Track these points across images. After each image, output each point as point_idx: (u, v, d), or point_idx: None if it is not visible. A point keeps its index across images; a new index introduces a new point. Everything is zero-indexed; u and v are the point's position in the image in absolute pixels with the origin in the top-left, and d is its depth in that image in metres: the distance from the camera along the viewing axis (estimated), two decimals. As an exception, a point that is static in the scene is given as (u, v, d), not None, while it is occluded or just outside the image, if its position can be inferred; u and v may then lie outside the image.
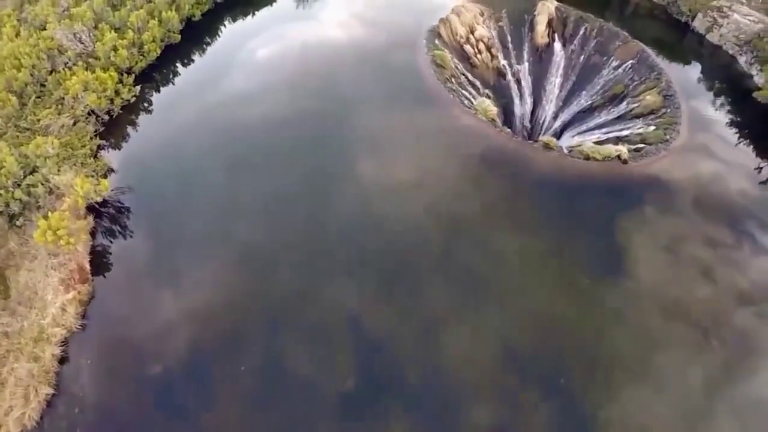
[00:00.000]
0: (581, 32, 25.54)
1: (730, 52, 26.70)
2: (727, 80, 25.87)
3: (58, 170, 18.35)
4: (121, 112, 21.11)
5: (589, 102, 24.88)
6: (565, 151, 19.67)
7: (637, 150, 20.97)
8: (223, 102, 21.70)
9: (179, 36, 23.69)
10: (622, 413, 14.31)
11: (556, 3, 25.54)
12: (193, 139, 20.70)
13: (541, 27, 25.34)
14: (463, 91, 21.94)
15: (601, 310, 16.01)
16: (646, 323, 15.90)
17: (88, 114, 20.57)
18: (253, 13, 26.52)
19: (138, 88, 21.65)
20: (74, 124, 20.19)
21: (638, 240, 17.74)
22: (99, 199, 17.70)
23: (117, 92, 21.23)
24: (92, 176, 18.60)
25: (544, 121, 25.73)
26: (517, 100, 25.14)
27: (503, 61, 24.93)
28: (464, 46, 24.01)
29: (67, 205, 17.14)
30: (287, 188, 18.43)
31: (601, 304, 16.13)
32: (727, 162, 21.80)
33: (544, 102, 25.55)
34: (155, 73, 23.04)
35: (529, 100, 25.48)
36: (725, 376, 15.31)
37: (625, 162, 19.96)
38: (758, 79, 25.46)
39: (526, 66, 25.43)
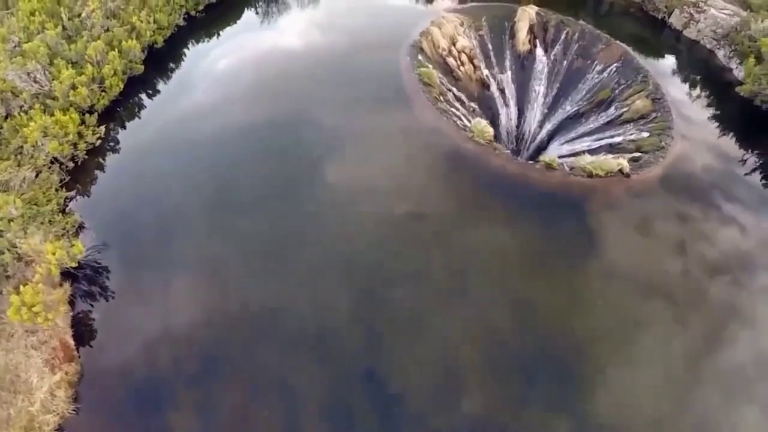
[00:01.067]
0: (562, 37, 25.17)
1: (708, 46, 26.90)
2: (707, 75, 26.09)
3: (25, 233, 16.77)
4: (86, 157, 19.53)
5: (575, 108, 24.61)
6: (567, 169, 19.19)
7: (635, 160, 20.76)
8: (194, 134, 20.41)
9: (142, 66, 22.08)
10: (609, 390, 14.82)
11: (536, 8, 25.04)
12: (166, 177, 19.38)
13: (522, 34, 24.83)
14: (452, 109, 21.22)
15: (580, 294, 16.55)
16: (624, 302, 16.47)
17: (51, 162, 18.94)
18: (218, 34, 25.08)
19: (102, 128, 20.04)
20: (36, 175, 18.54)
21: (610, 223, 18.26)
22: (74, 265, 16.24)
23: (80, 135, 19.61)
24: (63, 235, 17.13)
25: (529, 130, 25.34)
26: (502, 111, 24.64)
27: (486, 72, 24.34)
28: (447, 59, 23.27)
29: (39, 276, 15.63)
30: (289, 228, 17.39)
31: (581, 288, 16.67)
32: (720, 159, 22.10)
33: (528, 111, 25.13)
34: (119, 108, 21.46)
35: (513, 110, 25.02)
36: (705, 346, 16.05)
37: (627, 176, 19.69)
38: (737, 73, 25.72)
39: (508, 75, 24.92)
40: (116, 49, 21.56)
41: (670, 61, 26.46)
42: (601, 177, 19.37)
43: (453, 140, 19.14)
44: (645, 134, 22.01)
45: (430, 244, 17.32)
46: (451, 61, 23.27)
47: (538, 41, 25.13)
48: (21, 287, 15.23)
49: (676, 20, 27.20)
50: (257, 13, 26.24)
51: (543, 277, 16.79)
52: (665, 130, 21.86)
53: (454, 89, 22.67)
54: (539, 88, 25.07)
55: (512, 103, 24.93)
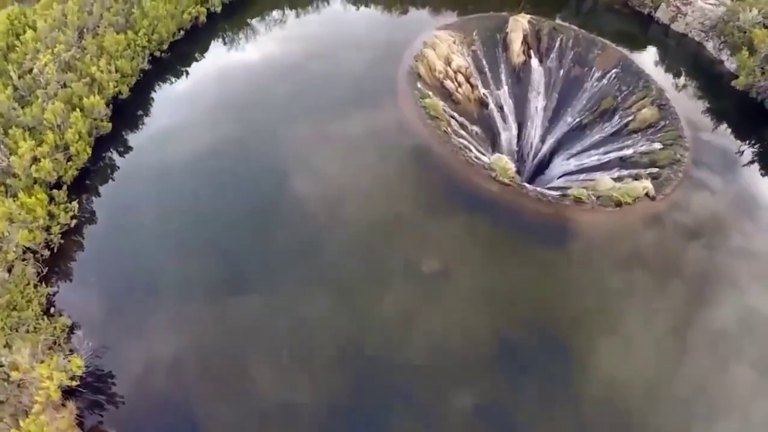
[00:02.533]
0: (556, 45, 24.31)
1: (697, 39, 26.69)
2: (699, 69, 25.95)
3: (9, 348, 14.63)
4: (62, 241, 17.30)
5: (577, 120, 23.89)
6: (595, 199, 18.40)
7: (654, 177, 20.20)
8: (174, 195, 18.68)
9: (109, 124, 19.80)
10: (601, 365, 15.17)
11: (527, 17, 24.00)
12: (152, 248, 17.48)
13: (516, 45, 23.82)
14: (461, 140, 20.04)
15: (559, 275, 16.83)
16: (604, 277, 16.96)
17: (24, 253, 16.67)
18: (186, 73, 22.83)
19: (75, 204, 17.79)
20: (9, 272, 16.26)
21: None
22: (75, 384, 14.27)
23: (51, 215, 17.36)
24: (55, 343, 15.08)
25: (531, 146, 24.50)
26: (501, 129, 23.65)
27: (483, 90, 23.24)
28: (444, 81, 22.02)
29: (39, 406, 13.63)
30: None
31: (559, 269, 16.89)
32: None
33: (528, 125, 24.25)
34: (91, 176, 19.18)
35: (513, 126, 24.10)
36: (689, 311, 16.65)
37: (653, 198, 19.12)
38: (729, 64, 25.67)
39: (505, 90, 23.90)
40: (78, 108, 19.19)
41: (659, 56, 26.10)
42: (630, 204, 18.71)
43: (475, 182, 18.01)
44: (657, 145, 21.51)
45: (465, 300, 16.33)
46: (449, 84, 22.04)
47: (532, 51, 24.22)
48: (21, 421, 13.29)
49: (663, 14, 26.80)
50: (227, 46, 24.14)
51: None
52: (677, 140, 21.42)
53: (456, 115, 21.47)
54: (537, 101, 24.21)
55: (511, 119, 23.98)
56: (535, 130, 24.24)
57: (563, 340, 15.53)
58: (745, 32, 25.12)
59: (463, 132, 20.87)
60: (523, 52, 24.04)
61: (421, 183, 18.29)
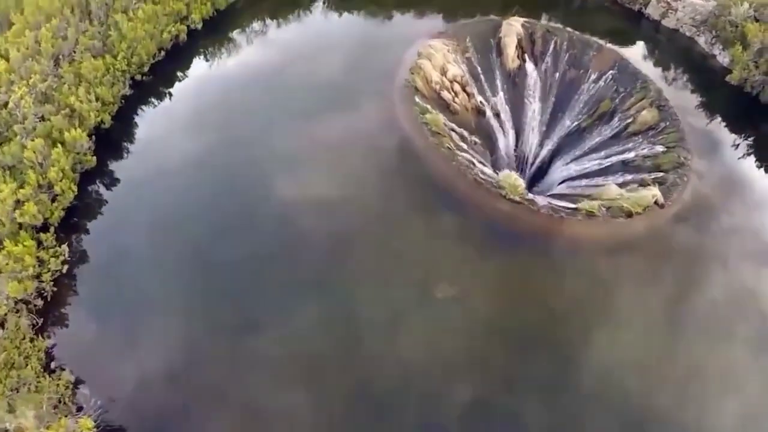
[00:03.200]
0: (551, 48, 24.09)
1: (688, 34, 26.75)
2: (692, 64, 26.02)
3: (13, 412, 13.90)
4: (54, 289, 16.48)
5: (575, 123, 23.74)
6: (605, 211, 18.28)
7: (660, 183, 20.16)
8: (169, 234, 17.84)
9: (93, 158, 18.92)
10: (600, 355, 15.51)
11: (521, 20, 23.69)
12: (151, 288, 16.80)
13: (510, 50, 23.52)
14: (465, 154, 19.72)
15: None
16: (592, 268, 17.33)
17: (15, 304, 15.84)
18: (170, 95, 21.98)
19: (64, 247, 16.98)
20: (3, 325, 15.44)
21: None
22: (90, 446, 13.64)
23: (41, 261, 16.51)
24: (60, 402, 14.39)
25: (529, 151, 24.27)
26: (500, 136, 23.37)
27: (479, 98, 22.89)
28: (441, 92, 21.62)
29: (53, 478, 13.00)
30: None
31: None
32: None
33: (526, 131, 24.01)
34: (78, 214, 18.35)
35: (511, 132, 23.84)
36: (679, 292, 17.18)
37: (662, 206, 19.09)
38: (721, 59, 25.79)
39: (501, 96, 23.60)
40: (59, 144, 18.27)
41: (651, 53, 26.09)
42: (641, 214, 18.65)
43: (485, 202, 17.71)
44: (659, 148, 21.49)
45: (481, 325, 16.12)
46: (445, 94, 21.64)
47: (526, 55, 23.91)
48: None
49: (653, 10, 26.76)
50: (210, 64, 23.30)
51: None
52: (679, 142, 21.42)
53: (456, 126, 21.13)
54: (534, 106, 23.97)
55: (509, 126, 23.70)
56: (532, 135, 24.02)
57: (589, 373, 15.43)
58: (737, 26, 25.23)
59: (464, 145, 20.52)
60: (518, 56, 23.75)
61: (429, 206, 17.95)
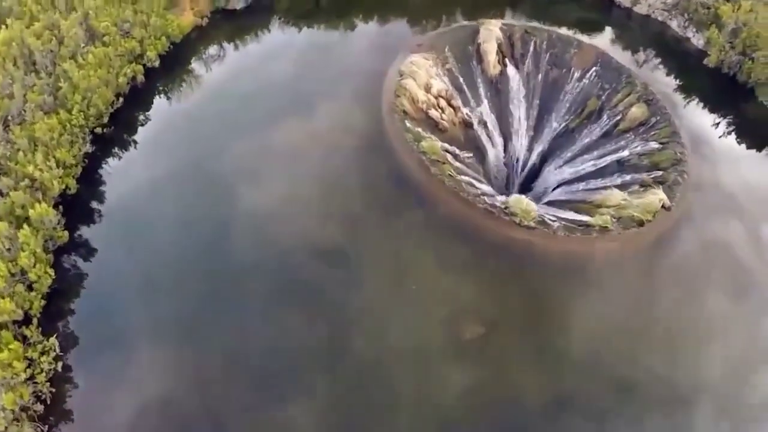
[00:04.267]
0: (531, 49, 23.63)
1: (660, 19, 26.86)
2: (666, 49, 26.12)
3: None
4: (52, 390, 14.99)
5: (563, 125, 23.50)
6: (616, 222, 18.19)
7: (661, 182, 20.19)
8: (160, 304, 16.59)
9: (65, 233, 17.28)
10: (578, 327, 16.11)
11: (498, 23, 23.07)
12: (153, 369, 15.60)
13: (491, 56, 22.95)
14: (466, 178, 19.19)
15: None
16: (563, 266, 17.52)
17: (13, 413, 14.36)
18: (134, 143, 20.35)
19: (53, 340, 15.49)
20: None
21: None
22: None
23: (31, 361, 15.01)
24: None
25: (518, 157, 23.93)
26: (488, 147, 22.90)
27: (465, 110, 22.31)
28: (429, 112, 20.87)
29: None
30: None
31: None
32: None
33: (514, 137, 23.62)
34: (59, 297, 16.71)
35: (499, 141, 23.38)
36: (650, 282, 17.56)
37: (668, 209, 19.12)
38: (696, 41, 26.03)
39: (485, 105, 23.07)
40: (25, 222, 16.58)
41: (625, 41, 26.00)
42: (651, 221, 18.61)
43: (500, 232, 17.26)
44: (654, 145, 21.51)
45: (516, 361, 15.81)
46: (433, 113, 20.96)
47: (507, 59, 23.34)
48: None
49: (623, -3, 26.70)
50: (171, 101, 21.77)
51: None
52: (672, 137, 21.48)
53: (448, 145, 20.56)
54: (519, 110, 23.54)
55: (496, 134, 23.24)
56: (520, 140, 23.66)
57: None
58: (709, 8, 25.46)
59: (463, 166, 20.00)
60: (498, 61, 23.18)
61: (440, 241, 17.35)
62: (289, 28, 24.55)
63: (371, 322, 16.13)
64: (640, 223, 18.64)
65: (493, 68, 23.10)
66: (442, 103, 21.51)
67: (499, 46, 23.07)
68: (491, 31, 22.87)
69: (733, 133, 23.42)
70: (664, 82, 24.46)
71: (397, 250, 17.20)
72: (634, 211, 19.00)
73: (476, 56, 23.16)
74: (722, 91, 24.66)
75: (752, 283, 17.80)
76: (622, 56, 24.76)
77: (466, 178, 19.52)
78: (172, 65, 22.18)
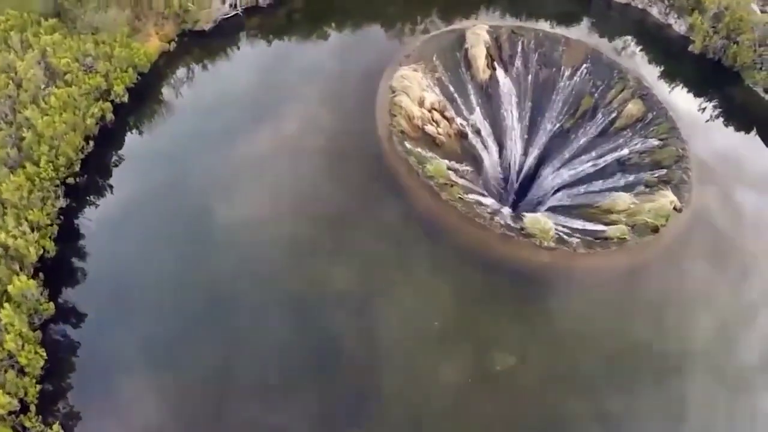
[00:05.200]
0: (519, 50, 23.01)
1: (640, 6, 26.72)
2: (649, 37, 25.96)
3: None
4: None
5: (558, 125, 23.10)
6: (630, 229, 18.00)
7: (666, 181, 20.06)
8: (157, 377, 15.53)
9: (51, 304, 15.83)
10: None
11: (485, 26, 22.33)
12: None
13: (480, 61, 22.23)
14: (475, 196, 18.62)
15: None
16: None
17: None
18: (110, 189, 18.83)
19: (57, 428, 14.16)
20: None
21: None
22: None
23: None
24: None
25: (514, 161, 23.46)
26: (484, 155, 22.32)
27: (459, 120, 21.62)
28: (425, 127, 20.11)
29: None
30: None
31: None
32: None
33: (508, 142, 23.10)
34: (52, 377, 15.28)
35: (494, 148, 22.83)
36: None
37: (679, 210, 19.01)
38: (678, 27, 25.99)
39: (477, 112, 22.44)
40: (5, 299, 15.08)
41: (606, 31, 25.71)
42: (665, 225, 18.45)
43: (522, 257, 16.80)
44: (654, 142, 21.36)
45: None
46: (429, 128, 20.23)
47: (495, 63, 22.69)
48: None
49: (602, -15, 26.34)
50: (145, 138, 20.18)
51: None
52: (671, 132, 21.36)
53: (450, 162, 19.92)
54: (512, 114, 23.01)
55: (490, 141, 22.66)
56: (515, 146, 23.18)
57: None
58: (689, -7, 25.38)
59: (467, 182, 19.41)
60: (487, 65, 22.51)
61: (462, 271, 16.79)
62: (262, 48, 23.13)
63: (396, 361, 15.49)
64: (655, 229, 18.47)
65: (483, 73, 22.40)
66: (436, 116, 20.75)
67: (488, 49, 22.37)
68: (478, 35, 22.12)
69: (722, 117, 23.62)
70: (646, 68, 24.36)
71: (415, 286, 16.52)
72: (646, 217, 18.79)
73: (464, 62, 22.40)
74: (708, 76, 24.69)
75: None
76: (605, 47, 24.54)
77: (474, 197, 18.95)
78: (141, 97, 20.54)
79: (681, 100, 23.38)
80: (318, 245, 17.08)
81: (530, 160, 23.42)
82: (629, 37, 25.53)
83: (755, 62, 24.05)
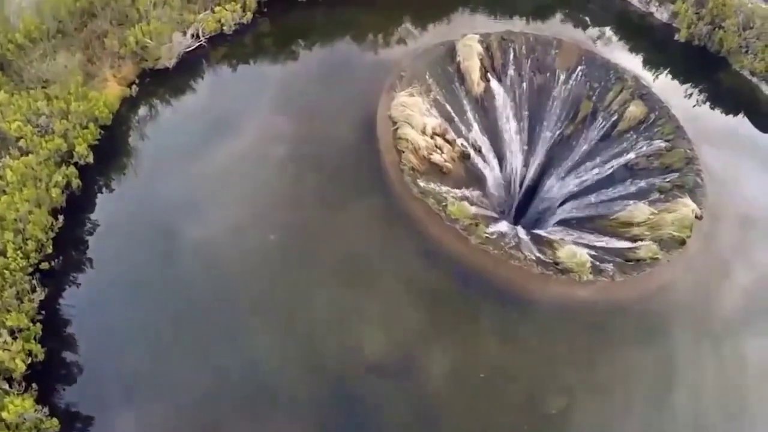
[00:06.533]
0: (511, 57, 22.22)
1: (619, -5, 26.37)
2: (631, 27, 25.78)
3: None
4: None
5: (558, 133, 22.62)
6: (657, 245, 17.83)
7: (680, 186, 19.93)
8: None
9: (53, 420, 14.04)
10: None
11: (475, 36, 21.39)
12: None
13: (474, 75, 21.31)
14: (498, 229, 17.96)
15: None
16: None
17: None
18: (89, 264, 16.89)
19: None
20: None
21: None
22: None
23: None
24: None
25: (515, 174, 22.89)
26: (487, 173, 21.64)
27: (460, 141, 20.78)
28: (431, 157, 19.15)
29: None
30: None
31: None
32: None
33: (508, 154, 22.47)
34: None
35: (494, 162, 22.16)
36: None
37: (700, 218, 18.94)
38: (659, 15, 25.95)
39: (476, 128, 21.62)
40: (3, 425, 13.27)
41: (586, 23, 25.37)
42: (690, 237, 18.34)
43: (563, 296, 16.28)
44: (660, 143, 21.20)
45: None
46: (436, 157, 19.29)
47: (489, 74, 21.88)
48: None
49: (578, -24, 25.85)
50: (119, 204, 18.14)
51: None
52: (677, 132, 21.24)
53: (462, 192, 19.17)
54: (509, 125, 22.34)
55: (491, 157, 21.98)
56: (515, 158, 22.61)
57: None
58: (669, -21, 25.27)
59: (483, 210, 18.77)
60: (481, 77, 21.68)
61: (503, 316, 16.21)
62: (233, 80, 21.11)
63: (453, 419, 14.83)
64: (682, 242, 18.35)
65: (477, 86, 21.56)
66: (439, 140, 19.81)
67: (481, 61, 21.50)
68: (471, 47, 21.13)
69: (712, 104, 23.86)
70: (632, 60, 24.14)
71: (454, 337, 15.78)
72: (670, 230, 18.66)
73: (458, 76, 21.47)
74: (696, 63, 24.76)
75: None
76: (589, 42, 24.23)
77: (495, 229, 18.27)
78: (108, 154, 18.41)
79: (670, 89, 23.38)
80: (343, 304, 16.00)
81: (532, 171, 22.94)
82: (612, 29, 25.31)
83: (741, 46, 24.33)
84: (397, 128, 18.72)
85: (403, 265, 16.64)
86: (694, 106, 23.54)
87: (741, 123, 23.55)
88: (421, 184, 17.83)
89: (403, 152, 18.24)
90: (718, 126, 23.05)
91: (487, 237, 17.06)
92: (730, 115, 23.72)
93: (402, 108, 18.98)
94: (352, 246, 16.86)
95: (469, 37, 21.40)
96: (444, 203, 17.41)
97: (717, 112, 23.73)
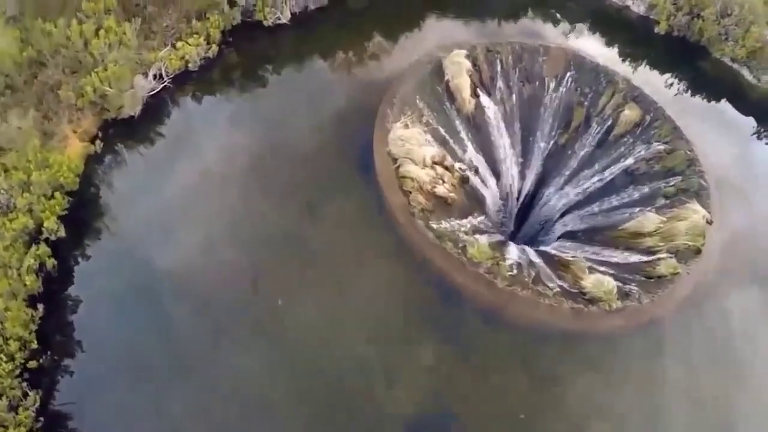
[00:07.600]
0: (498, 69, 21.70)
1: (594, -11, 26.18)
2: (609, 20, 25.70)
3: None
4: None
5: (552, 143, 22.34)
6: (673, 257, 17.86)
7: (685, 189, 19.98)
8: None
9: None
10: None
11: (463, 53, 20.71)
12: None
13: (465, 93, 20.69)
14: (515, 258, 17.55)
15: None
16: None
17: None
18: (80, 347, 15.50)
19: None
20: None
21: None
22: None
23: None
24: None
25: (512, 188, 22.56)
26: (486, 193, 21.20)
27: (458, 165, 20.17)
28: (436, 190, 18.49)
29: None
30: None
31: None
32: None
33: (503, 170, 22.07)
34: None
35: (491, 181, 21.73)
36: None
37: (711, 223, 19.04)
38: (636, 8, 25.99)
39: (470, 148, 21.06)
40: None
41: (561, 20, 25.13)
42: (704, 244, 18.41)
43: (598, 328, 16.07)
44: (658, 146, 21.20)
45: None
46: (440, 190, 18.59)
47: (478, 89, 21.31)
48: None
49: (551, -27, 25.47)
50: (100, 281, 16.64)
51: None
52: (674, 133, 21.28)
53: (472, 221, 18.68)
54: (502, 140, 21.92)
55: (488, 175, 21.54)
56: (511, 173, 22.27)
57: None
58: (644, -30, 25.23)
59: (493, 237, 18.32)
60: (471, 94, 21.12)
61: (540, 355, 15.92)
62: (205, 122, 19.66)
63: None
64: (697, 251, 18.41)
65: (468, 104, 20.97)
66: (440, 170, 19.16)
67: (470, 77, 20.90)
68: (459, 64, 20.47)
69: (696, 93, 24.15)
70: (612, 57, 24.12)
71: (491, 382, 15.38)
72: (684, 240, 18.69)
73: (447, 95, 20.81)
74: (676, 54, 24.92)
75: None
76: (571, 41, 24.14)
77: (511, 259, 17.86)
78: (80, 224, 16.93)
79: (654, 82, 23.47)
80: (375, 366, 15.32)
81: (528, 184, 22.65)
82: (589, 25, 25.21)
83: (720, 34, 24.62)
84: (398, 166, 17.92)
85: (427, 319, 16.02)
86: (676, 94, 23.72)
87: (726, 109, 23.92)
88: (434, 226, 17.16)
89: (410, 193, 17.46)
90: (705, 114, 23.33)
91: (511, 275, 16.58)
92: (713, 102, 24.07)
93: (401, 143, 18.18)
94: (379, 311, 16.07)
95: (456, 53, 20.71)
96: (461, 244, 16.79)
97: (701, 100, 24.01)
